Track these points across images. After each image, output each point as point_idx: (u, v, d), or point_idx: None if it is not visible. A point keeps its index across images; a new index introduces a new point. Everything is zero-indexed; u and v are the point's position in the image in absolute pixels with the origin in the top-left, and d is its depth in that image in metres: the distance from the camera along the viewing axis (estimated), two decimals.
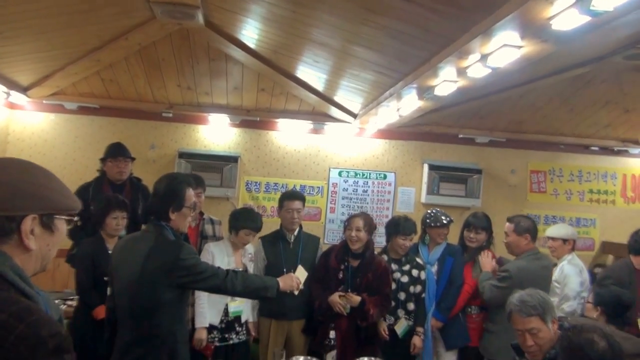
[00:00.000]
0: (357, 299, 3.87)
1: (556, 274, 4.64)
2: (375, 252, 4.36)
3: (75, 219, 1.53)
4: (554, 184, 7.39)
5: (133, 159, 4.99)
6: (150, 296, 2.75)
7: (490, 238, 4.65)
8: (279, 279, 3.18)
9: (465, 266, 4.56)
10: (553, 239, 4.85)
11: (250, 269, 4.01)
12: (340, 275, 4.05)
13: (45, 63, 5.86)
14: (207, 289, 2.89)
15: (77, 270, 4.00)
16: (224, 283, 2.83)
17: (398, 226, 4.35)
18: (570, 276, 4.57)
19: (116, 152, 4.92)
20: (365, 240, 4.05)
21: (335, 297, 3.90)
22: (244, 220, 4.04)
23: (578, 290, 4.52)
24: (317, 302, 4.05)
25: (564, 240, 4.81)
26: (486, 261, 4.35)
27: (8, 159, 1.49)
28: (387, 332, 4.13)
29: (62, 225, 1.45)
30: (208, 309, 3.96)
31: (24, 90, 6.26)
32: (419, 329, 4.25)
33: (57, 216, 1.42)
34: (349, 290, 4.00)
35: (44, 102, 6.41)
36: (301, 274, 3.35)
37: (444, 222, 4.54)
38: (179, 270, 2.74)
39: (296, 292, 3.19)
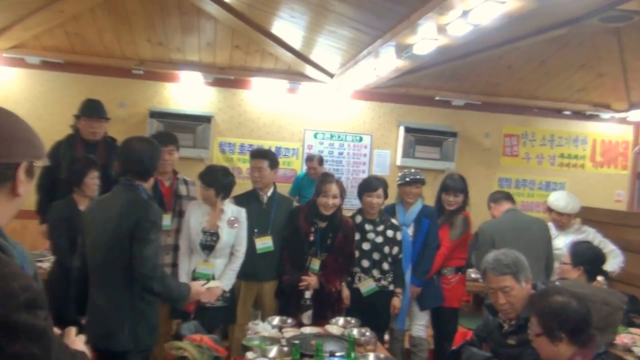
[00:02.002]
0: (315, 284, 3.86)
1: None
2: (351, 214, 4.29)
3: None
4: (527, 148, 7.38)
5: (108, 119, 4.80)
6: (126, 253, 2.85)
7: (467, 199, 4.61)
8: (204, 288, 3.37)
9: (442, 228, 4.50)
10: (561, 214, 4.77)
11: (226, 234, 3.97)
12: (311, 237, 3.97)
13: (2, 13, 5.42)
14: (140, 257, 2.87)
15: (53, 235, 3.90)
16: (152, 272, 2.88)
17: (364, 184, 4.29)
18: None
19: (91, 111, 4.61)
20: (338, 206, 3.97)
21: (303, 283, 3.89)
22: (200, 174, 3.97)
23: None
24: (287, 277, 4.00)
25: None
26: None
27: None
28: (349, 299, 4.08)
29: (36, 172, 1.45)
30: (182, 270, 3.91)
31: None
32: (398, 290, 4.21)
33: (36, 163, 1.41)
34: (319, 252, 3.96)
35: (4, 55, 5.99)
36: (216, 284, 3.59)
37: (407, 179, 4.43)
38: (140, 226, 2.85)
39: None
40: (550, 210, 4.83)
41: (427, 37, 4.17)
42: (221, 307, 3.92)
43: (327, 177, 4.11)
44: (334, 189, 3.95)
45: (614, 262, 4.61)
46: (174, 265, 4.03)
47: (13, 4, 5.25)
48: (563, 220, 4.75)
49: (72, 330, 1.59)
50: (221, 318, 3.96)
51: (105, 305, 2.93)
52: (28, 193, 1.41)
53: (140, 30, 5.82)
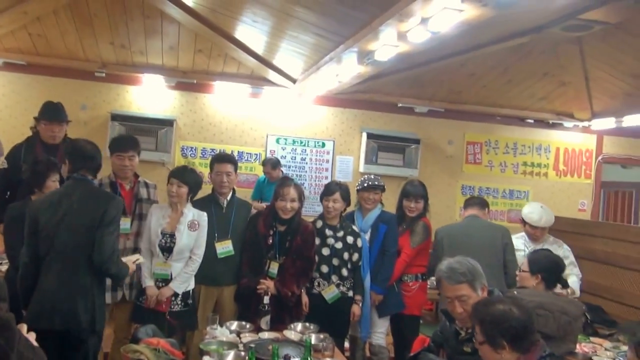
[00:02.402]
0: (272, 288, 3.87)
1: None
2: (312, 219, 4.30)
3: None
4: (490, 156, 7.39)
5: (68, 121, 4.73)
6: (91, 239, 3.17)
7: (427, 206, 4.61)
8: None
9: (402, 235, 4.49)
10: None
11: (185, 236, 3.93)
12: (270, 241, 3.97)
13: None
14: (104, 242, 3.19)
15: (8, 234, 3.92)
16: (112, 256, 3.24)
17: (324, 189, 4.32)
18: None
19: (51, 114, 4.63)
20: (297, 209, 3.99)
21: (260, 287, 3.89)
22: (174, 172, 4.03)
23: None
24: (246, 280, 3.99)
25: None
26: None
27: None
28: (307, 306, 4.07)
29: None
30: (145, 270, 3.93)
31: None
32: (357, 297, 4.20)
33: None
34: (278, 255, 3.96)
35: None
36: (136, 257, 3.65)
37: (365, 185, 4.45)
38: (107, 214, 3.21)
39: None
40: (523, 222, 4.82)
41: (388, 44, 4.20)
42: (181, 312, 3.90)
43: (285, 181, 4.13)
44: (292, 192, 3.97)
45: (577, 284, 4.60)
46: None
47: None
48: (537, 234, 4.74)
49: (24, 326, 1.60)
50: (181, 323, 3.92)
51: (65, 289, 3.14)
52: None
53: (103, 32, 5.83)
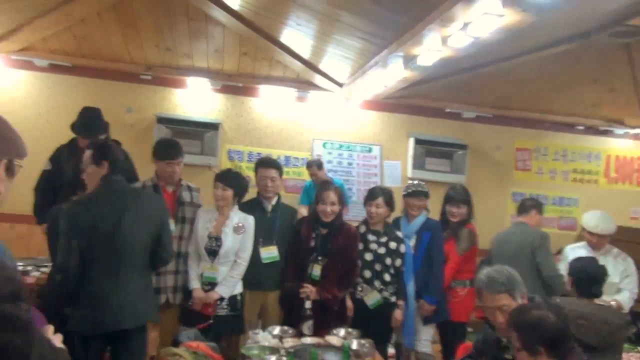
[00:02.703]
0: (314, 294, 3.84)
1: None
2: (356, 224, 4.30)
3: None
4: (539, 163, 7.22)
5: (103, 133, 4.58)
6: (154, 238, 3.31)
7: (471, 212, 4.53)
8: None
9: (447, 242, 4.42)
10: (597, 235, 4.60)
11: (231, 239, 3.84)
12: (312, 243, 3.98)
13: (11, 15, 5.36)
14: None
15: (52, 237, 3.83)
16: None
17: (367, 194, 4.30)
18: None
19: (85, 131, 4.47)
20: (337, 213, 3.99)
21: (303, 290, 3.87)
22: (219, 175, 4.03)
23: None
24: (289, 284, 3.99)
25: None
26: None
27: None
28: (352, 310, 4.07)
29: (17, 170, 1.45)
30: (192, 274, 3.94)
31: None
32: (399, 302, 4.15)
33: (17, 161, 1.43)
34: (320, 257, 3.95)
35: (12, 57, 5.92)
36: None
37: (410, 191, 4.41)
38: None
39: None
40: (583, 228, 4.73)
41: (431, 48, 4.21)
42: (227, 316, 3.86)
43: (325, 185, 4.17)
44: (331, 196, 3.96)
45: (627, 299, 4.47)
46: (176, 272, 3.98)
47: (22, 6, 5.19)
48: (594, 241, 4.60)
49: (51, 328, 1.56)
50: (227, 327, 3.88)
51: (133, 289, 3.17)
52: (8, 191, 1.42)
53: (148, 35, 5.76)
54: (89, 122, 4.54)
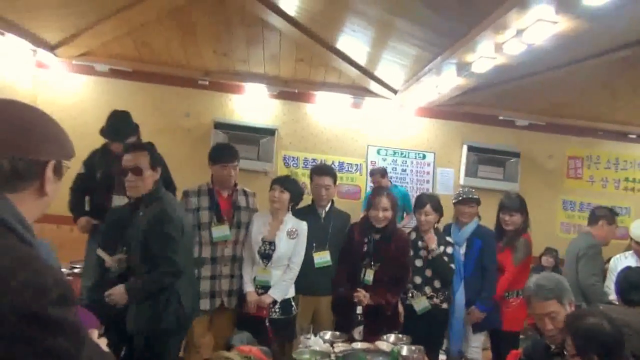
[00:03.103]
0: (367, 299, 3.84)
1: None
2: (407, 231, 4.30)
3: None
4: (591, 171, 7.15)
5: (136, 128, 4.62)
6: None
7: (527, 220, 4.42)
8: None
9: (503, 252, 4.35)
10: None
11: (284, 244, 3.86)
12: (365, 248, 3.98)
13: (72, 20, 5.43)
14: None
15: (109, 235, 3.90)
16: None
17: (415, 202, 4.31)
18: None
19: (114, 136, 4.44)
20: (390, 219, 3.98)
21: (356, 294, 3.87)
22: (277, 179, 4.08)
23: None
24: (342, 290, 3.99)
25: None
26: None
27: (15, 101, 1.40)
28: (402, 316, 4.10)
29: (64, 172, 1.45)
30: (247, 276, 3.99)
31: (51, 48, 5.80)
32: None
33: (65, 163, 1.41)
34: (373, 262, 3.96)
35: (74, 62, 5.98)
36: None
37: (460, 198, 4.37)
38: None
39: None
40: (631, 238, 4.58)
41: (484, 55, 4.18)
42: (279, 320, 3.88)
43: (378, 191, 4.20)
44: (384, 201, 3.95)
45: None
46: (232, 276, 3.99)
47: (82, 11, 5.24)
48: None
49: (95, 332, 1.56)
50: (279, 331, 3.88)
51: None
52: (56, 193, 1.40)
53: (206, 40, 5.76)
54: (118, 126, 4.51)
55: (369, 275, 3.94)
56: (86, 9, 5.22)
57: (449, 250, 4.18)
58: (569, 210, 6.98)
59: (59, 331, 1.13)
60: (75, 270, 4.64)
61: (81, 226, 4.40)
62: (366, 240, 4.02)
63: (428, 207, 4.14)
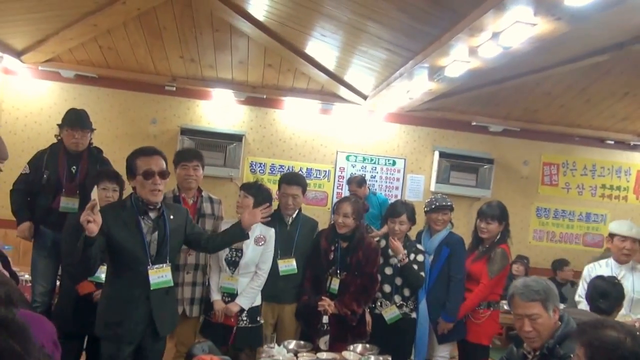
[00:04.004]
0: (332, 308, 3.76)
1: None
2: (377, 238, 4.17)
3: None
4: (567, 178, 7.04)
5: (92, 129, 4.50)
6: None
7: (506, 231, 4.20)
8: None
9: (479, 261, 4.18)
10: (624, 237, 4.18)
11: (251, 251, 3.74)
12: (331, 256, 3.91)
13: (38, 26, 5.39)
14: None
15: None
16: None
17: (389, 209, 4.17)
18: None
19: (74, 122, 4.36)
20: (352, 226, 3.89)
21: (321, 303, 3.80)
22: (243, 185, 3.96)
23: None
24: (306, 297, 3.94)
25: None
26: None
27: None
28: (370, 325, 3.97)
29: None
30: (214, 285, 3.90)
31: (18, 55, 5.77)
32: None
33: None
34: (339, 270, 3.89)
35: (40, 68, 5.94)
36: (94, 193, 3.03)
37: (434, 205, 4.22)
38: None
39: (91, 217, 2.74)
40: (611, 237, 4.23)
41: (458, 59, 4.08)
42: (247, 328, 3.79)
43: (344, 197, 4.13)
44: (344, 207, 3.90)
45: None
46: (194, 284, 3.94)
47: (48, 17, 5.20)
48: (627, 247, 4.13)
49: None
50: (247, 339, 3.82)
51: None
52: None
53: (173, 46, 5.70)
54: (80, 115, 4.41)
55: (335, 284, 3.89)
56: (52, 14, 5.18)
57: (420, 258, 4.06)
58: (543, 217, 6.88)
59: (6, 331, 1.14)
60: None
61: (21, 231, 4.28)
62: (333, 248, 3.96)
63: (404, 217, 4.03)
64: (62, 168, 4.29)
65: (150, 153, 3.11)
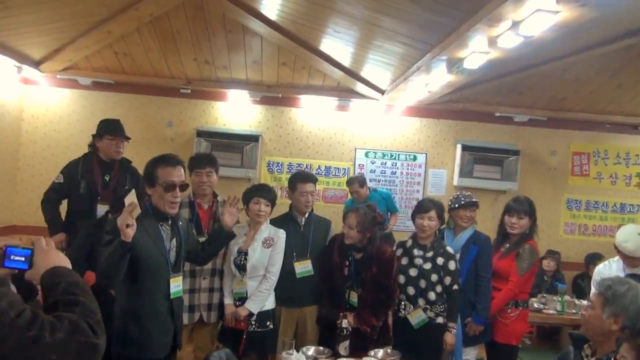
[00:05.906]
0: (352, 323, 3.64)
1: None
2: (397, 234, 4.12)
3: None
4: (598, 167, 6.71)
5: (129, 138, 4.67)
6: None
7: (534, 226, 4.08)
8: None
9: (506, 258, 4.05)
10: None
11: (258, 253, 3.70)
12: (346, 272, 3.78)
13: (54, 35, 5.43)
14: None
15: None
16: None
17: (417, 206, 4.01)
18: None
19: (117, 130, 4.55)
20: (357, 238, 3.73)
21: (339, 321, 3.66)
22: (252, 191, 3.85)
23: None
24: (324, 311, 3.84)
25: None
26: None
27: None
28: (392, 330, 3.87)
29: None
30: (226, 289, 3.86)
31: (36, 64, 5.83)
32: (451, 325, 3.80)
33: None
34: (355, 287, 3.76)
35: (58, 77, 6.00)
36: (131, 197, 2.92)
37: (462, 202, 4.05)
38: None
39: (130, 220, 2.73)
40: (617, 250, 4.05)
41: (477, 50, 3.96)
42: (258, 333, 3.71)
43: (353, 209, 3.94)
44: (349, 219, 3.77)
45: None
46: (211, 289, 3.87)
47: (64, 26, 5.23)
48: (636, 263, 3.97)
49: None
50: (258, 345, 3.74)
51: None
52: None
53: (187, 49, 5.65)
54: (119, 125, 4.62)
55: (354, 297, 3.78)
56: (67, 24, 5.21)
57: (451, 265, 3.83)
58: (574, 209, 6.58)
59: None
60: None
61: (57, 242, 4.34)
62: (347, 262, 3.82)
63: (433, 213, 3.86)
64: (97, 176, 4.48)
65: (172, 163, 3.04)
